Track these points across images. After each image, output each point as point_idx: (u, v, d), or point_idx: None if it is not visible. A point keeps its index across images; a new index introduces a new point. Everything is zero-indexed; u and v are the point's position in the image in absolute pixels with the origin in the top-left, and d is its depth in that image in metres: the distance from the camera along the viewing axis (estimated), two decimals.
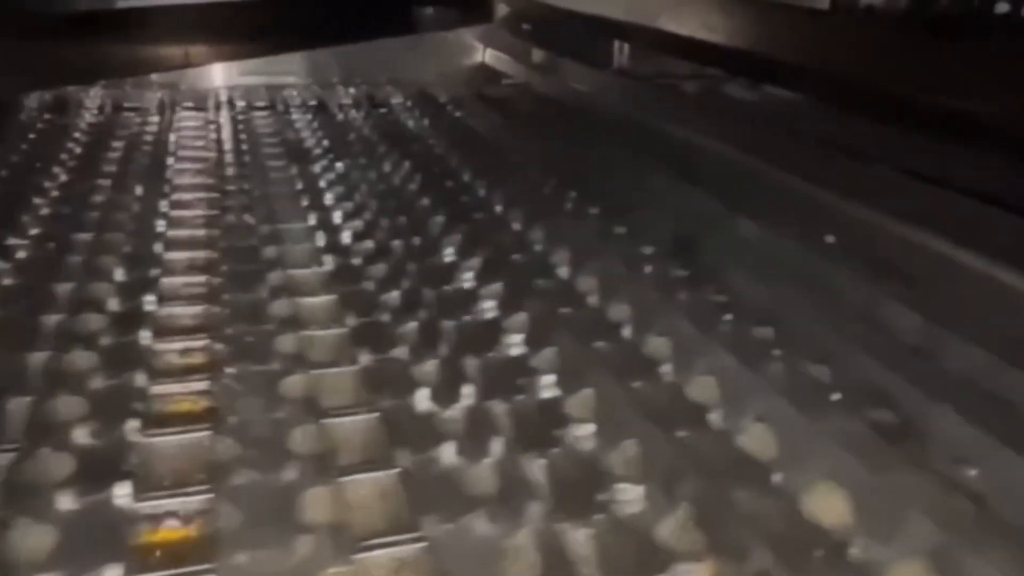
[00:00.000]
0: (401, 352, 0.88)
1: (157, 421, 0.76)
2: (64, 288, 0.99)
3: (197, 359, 0.87)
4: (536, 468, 0.70)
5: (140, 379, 0.81)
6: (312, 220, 1.24)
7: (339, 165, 1.51)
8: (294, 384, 0.82)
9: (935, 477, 0.67)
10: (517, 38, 2.37)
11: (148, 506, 0.65)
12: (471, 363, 0.86)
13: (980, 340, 0.84)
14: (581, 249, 1.11)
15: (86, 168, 1.46)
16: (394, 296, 1.00)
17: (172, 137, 1.68)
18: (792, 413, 0.74)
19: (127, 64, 2.11)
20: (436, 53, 2.40)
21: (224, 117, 1.85)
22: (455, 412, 0.78)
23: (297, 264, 1.09)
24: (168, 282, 1.03)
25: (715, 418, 0.77)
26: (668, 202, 1.32)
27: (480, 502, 0.66)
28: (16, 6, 1.87)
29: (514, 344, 0.90)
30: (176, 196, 1.33)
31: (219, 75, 2.17)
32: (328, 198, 1.34)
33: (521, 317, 0.95)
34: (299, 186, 1.40)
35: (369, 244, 1.15)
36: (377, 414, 0.77)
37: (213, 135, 1.71)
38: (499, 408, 0.78)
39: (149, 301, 0.97)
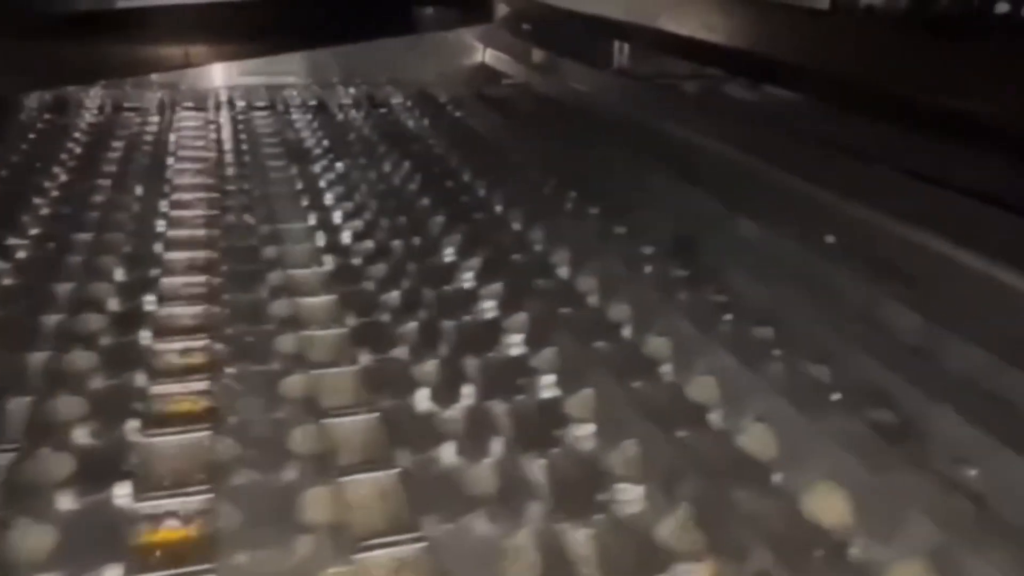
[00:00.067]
0: (401, 352, 0.88)
1: (157, 421, 0.76)
2: (64, 288, 0.99)
3: (197, 359, 0.87)
4: (536, 468, 0.70)
5: (140, 379, 0.81)
6: (312, 220, 1.24)
7: (339, 165, 1.51)
8: (294, 384, 0.82)
9: (935, 477, 0.67)
10: (517, 38, 2.37)
11: (148, 506, 0.65)
12: (471, 363, 0.86)
13: (980, 340, 0.84)
14: (581, 249, 1.11)
15: (86, 168, 1.46)
16: (394, 296, 1.00)
17: (172, 137, 1.68)
18: (792, 413, 0.74)
19: (127, 64, 2.11)
20: (436, 53, 2.39)
21: (224, 117, 1.85)
22: (455, 412, 0.78)
23: (297, 264, 1.09)
24: (168, 282, 1.03)
25: (715, 418, 0.77)
26: (668, 202, 1.32)
27: (480, 502, 0.66)
28: (16, 6, 1.87)
29: (514, 344, 0.90)
30: (176, 196, 1.33)
31: (219, 75, 2.17)
32: (328, 198, 1.34)
33: (521, 317, 0.95)
34: (299, 186, 1.40)
35: (369, 244, 1.15)
36: (377, 414, 0.77)
37: (213, 135, 1.71)
38: (499, 408, 0.78)
39: (149, 301, 0.97)
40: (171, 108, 1.90)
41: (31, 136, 1.65)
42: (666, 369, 0.85)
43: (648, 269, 1.08)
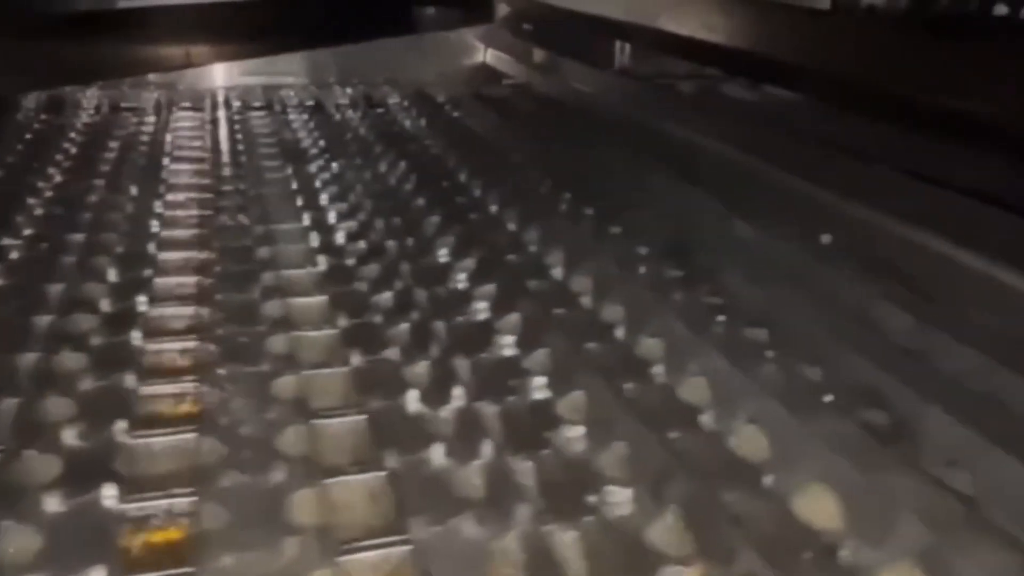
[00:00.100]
0: (392, 353, 0.87)
1: (146, 422, 0.75)
2: (56, 289, 0.99)
3: (187, 360, 0.86)
4: (525, 470, 0.70)
5: (130, 380, 0.81)
6: (306, 221, 1.23)
7: (335, 165, 1.50)
8: (284, 385, 0.81)
9: (927, 479, 0.66)
10: (518, 38, 2.37)
11: (135, 508, 0.65)
12: (462, 364, 0.85)
13: (976, 341, 0.84)
14: (576, 250, 1.10)
15: (81, 168, 1.46)
16: (387, 297, 1.00)
17: (168, 137, 1.68)
18: (784, 415, 0.74)
19: (127, 64, 2.11)
20: (437, 53, 2.39)
21: (221, 117, 1.85)
22: (445, 413, 0.77)
23: (290, 265, 1.09)
24: (161, 282, 1.02)
25: (706, 419, 0.77)
26: (665, 202, 1.31)
27: (469, 504, 0.65)
28: (16, 6, 1.87)
29: (506, 345, 0.90)
30: (171, 196, 1.33)
31: (216, 75, 2.17)
32: (323, 199, 1.33)
33: (514, 318, 0.94)
34: (294, 186, 1.39)
35: (363, 245, 1.15)
36: (367, 415, 0.76)
37: (209, 135, 1.71)
38: (489, 409, 0.78)
39: (141, 302, 0.97)
40: (168, 108, 1.90)
41: (27, 136, 1.65)
42: (658, 370, 0.85)
43: (643, 270, 1.07)
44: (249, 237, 1.17)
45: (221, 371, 0.82)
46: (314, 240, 1.16)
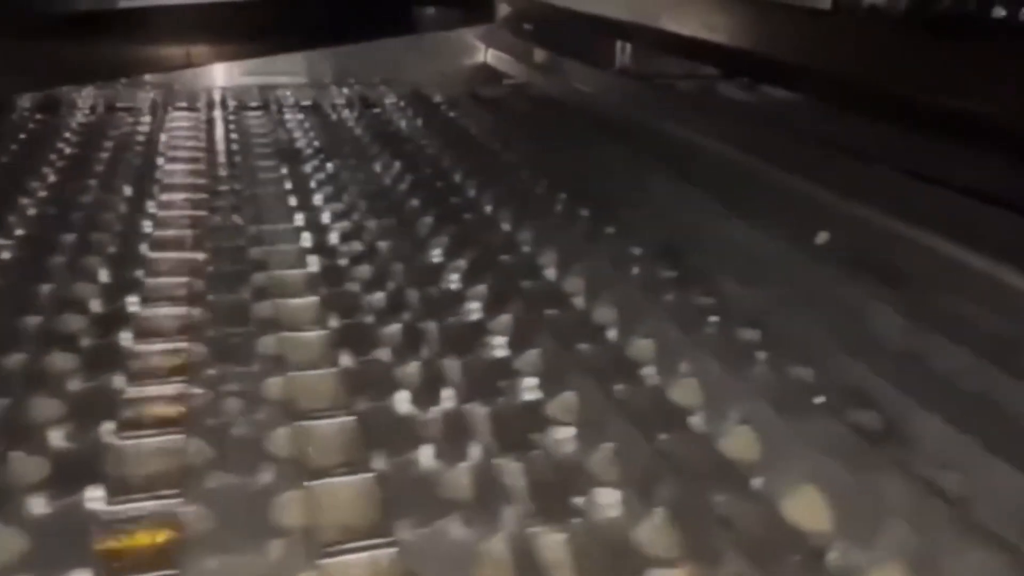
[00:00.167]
0: (383, 354, 0.87)
1: (133, 424, 0.75)
2: (46, 289, 0.98)
3: (176, 361, 0.86)
4: (514, 472, 0.69)
5: (118, 381, 0.80)
6: (300, 221, 1.23)
7: (330, 166, 1.50)
8: (273, 386, 0.81)
9: (917, 481, 0.66)
10: (519, 38, 2.37)
11: (120, 510, 0.65)
12: (453, 365, 0.85)
13: (971, 342, 0.83)
14: (570, 250, 1.10)
15: (75, 168, 1.45)
16: (378, 297, 0.99)
17: (163, 137, 1.67)
18: (774, 416, 0.73)
19: (127, 64, 2.11)
20: (437, 53, 2.39)
21: (217, 117, 1.85)
22: (435, 415, 0.77)
23: (282, 265, 1.08)
24: (152, 283, 1.02)
25: (697, 421, 0.76)
26: (662, 203, 1.31)
27: (456, 506, 0.65)
28: (16, 6, 1.87)
29: (497, 346, 0.89)
30: (164, 196, 1.33)
31: (213, 75, 2.16)
32: (317, 199, 1.33)
33: (505, 319, 0.94)
34: (288, 187, 1.39)
35: (356, 245, 1.15)
36: (356, 417, 0.76)
37: (204, 135, 1.70)
38: (479, 411, 0.77)
39: (132, 302, 0.96)
40: (164, 108, 1.89)
41: (21, 136, 1.65)
42: (649, 371, 0.85)
43: (636, 271, 1.07)
44: (242, 237, 1.16)
45: (210, 372, 0.82)
46: (307, 240, 1.16)
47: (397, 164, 1.50)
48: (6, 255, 1.09)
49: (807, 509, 0.65)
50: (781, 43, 1.44)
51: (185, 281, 1.03)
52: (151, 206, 1.28)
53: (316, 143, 1.66)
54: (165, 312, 0.95)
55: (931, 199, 1.12)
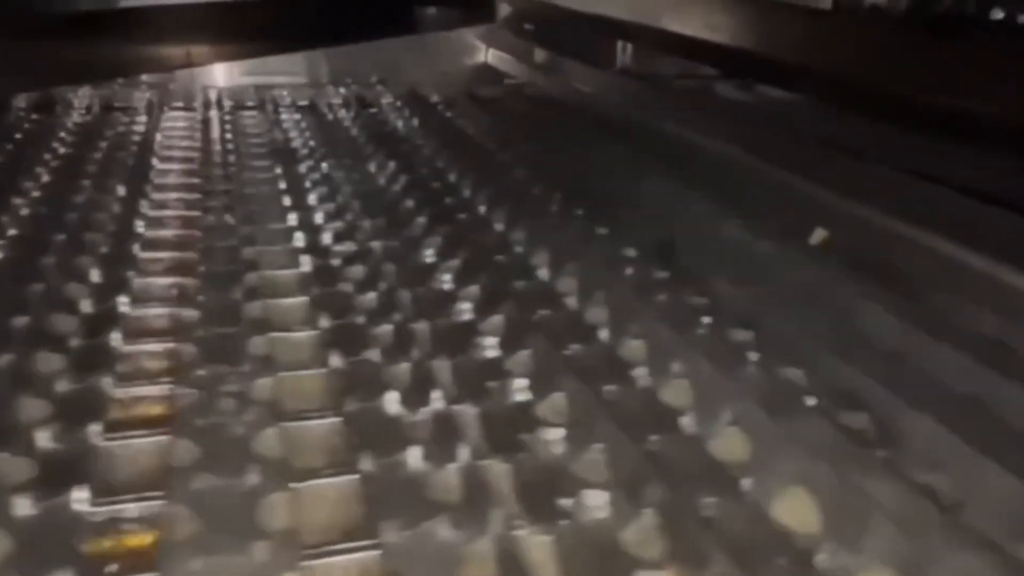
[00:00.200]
0: (373, 355, 0.86)
1: (120, 425, 0.75)
2: (36, 289, 0.98)
3: (165, 362, 0.85)
4: (502, 473, 0.69)
5: (106, 382, 0.80)
6: (293, 221, 1.22)
7: (324, 166, 1.50)
8: (263, 387, 0.80)
9: (906, 483, 0.66)
10: (519, 38, 2.37)
11: (105, 511, 0.64)
12: (443, 366, 0.84)
13: (964, 342, 0.83)
14: (563, 250, 1.10)
15: (69, 168, 1.45)
16: (370, 298, 0.99)
17: (158, 137, 1.67)
18: (764, 418, 0.73)
19: (126, 64, 2.11)
20: (438, 53, 2.39)
21: (212, 117, 1.84)
22: (424, 416, 0.77)
23: (275, 265, 1.08)
24: (142, 283, 1.02)
25: (687, 422, 0.76)
26: (658, 203, 1.30)
27: (443, 507, 0.65)
28: (16, 6, 1.86)
29: (488, 347, 0.89)
30: (157, 196, 1.32)
31: (210, 75, 2.16)
32: (311, 199, 1.32)
33: (497, 319, 0.93)
34: (282, 186, 1.38)
35: (350, 245, 1.14)
36: (344, 418, 0.76)
37: (200, 135, 1.70)
38: (469, 412, 0.77)
39: (122, 302, 0.96)
40: (160, 108, 1.89)
41: (17, 136, 1.64)
42: (640, 372, 0.84)
43: (630, 271, 1.07)
44: (234, 237, 1.16)
45: (199, 373, 0.82)
46: (300, 241, 1.15)
47: (392, 164, 1.49)
48: None
49: (796, 511, 0.65)
50: (782, 43, 1.43)
51: (176, 281, 1.02)
52: (144, 206, 1.27)
53: (311, 143, 1.66)
54: (155, 312, 0.95)
55: (931, 199, 1.11)
